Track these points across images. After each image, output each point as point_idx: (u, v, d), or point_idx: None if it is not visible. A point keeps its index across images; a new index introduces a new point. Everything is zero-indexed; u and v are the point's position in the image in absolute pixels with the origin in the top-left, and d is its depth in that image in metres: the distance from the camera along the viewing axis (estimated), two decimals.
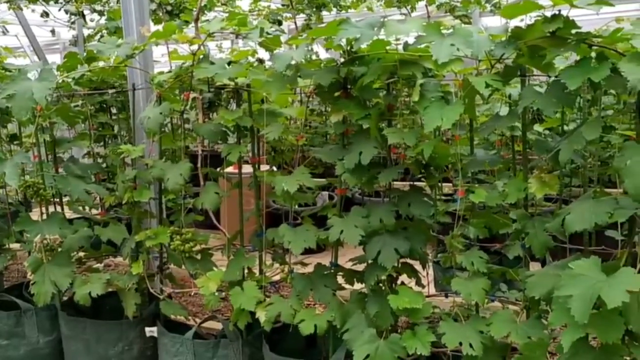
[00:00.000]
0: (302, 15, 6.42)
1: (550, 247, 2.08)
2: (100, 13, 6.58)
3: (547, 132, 3.28)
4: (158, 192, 2.95)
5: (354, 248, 2.26)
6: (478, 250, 2.19)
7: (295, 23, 6.34)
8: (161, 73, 2.91)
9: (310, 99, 2.58)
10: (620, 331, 1.59)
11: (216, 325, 2.97)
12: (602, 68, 1.67)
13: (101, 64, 3.05)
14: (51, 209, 3.11)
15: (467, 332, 2.05)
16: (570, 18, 1.75)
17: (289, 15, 6.31)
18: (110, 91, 3.86)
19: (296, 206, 3.18)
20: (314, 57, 2.49)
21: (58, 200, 3.33)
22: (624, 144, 1.67)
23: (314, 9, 6.22)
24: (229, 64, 2.52)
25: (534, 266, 2.41)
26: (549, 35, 1.79)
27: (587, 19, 1.92)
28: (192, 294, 3.10)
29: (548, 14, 1.80)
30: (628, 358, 1.71)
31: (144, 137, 2.98)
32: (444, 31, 1.92)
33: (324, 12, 6.41)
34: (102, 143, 4.60)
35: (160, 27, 2.60)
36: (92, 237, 2.98)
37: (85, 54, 2.89)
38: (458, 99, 1.92)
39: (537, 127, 3.22)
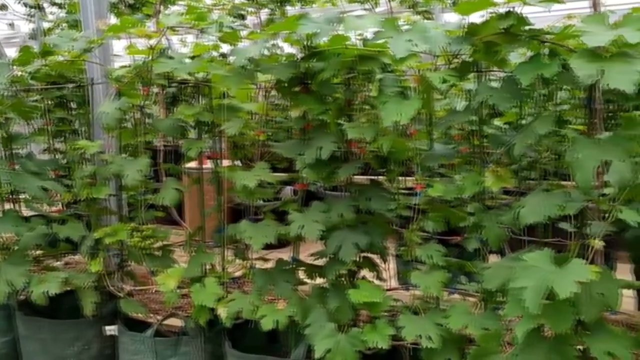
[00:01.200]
0: (266, 9, 6.39)
1: (505, 240, 2.11)
2: (60, 6, 6.44)
3: (506, 126, 3.32)
4: (117, 188, 2.90)
5: (315, 243, 2.26)
6: (435, 244, 2.21)
7: (259, 17, 6.31)
8: (123, 67, 2.86)
9: (273, 93, 2.57)
10: (572, 321, 1.64)
11: (178, 322, 2.93)
12: (553, 64, 1.70)
13: (60, 57, 2.97)
14: (7, 206, 3.03)
15: (426, 324, 2.07)
16: (523, 15, 1.79)
17: (252, 9, 6.27)
18: (68, 85, 3.77)
19: (260, 201, 3.16)
20: (278, 51, 2.48)
21: (14, 197, 3.25)
22: (575, 138, 1.70)
23: (278, 4, 6.20)
24: (191, 58, 2.49)
25: (494, 258, 2.45)
26: (503, 31, 1.82)
27: (540, 17, 1.95)
28: (153, 291, 3.07)
29: (502, 11, 1.83)
30: (580, 347, 1.75)
31: (102, 133, 2.92)
32: (402, 27, 1.93)
33: (288, 7, 6.40)
34: (62, 139, 4.48)
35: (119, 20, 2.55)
36: (48, 235, 2.91)
37: None
38: (416, 94, 1.94)
39: (497, 122, 3.26)
